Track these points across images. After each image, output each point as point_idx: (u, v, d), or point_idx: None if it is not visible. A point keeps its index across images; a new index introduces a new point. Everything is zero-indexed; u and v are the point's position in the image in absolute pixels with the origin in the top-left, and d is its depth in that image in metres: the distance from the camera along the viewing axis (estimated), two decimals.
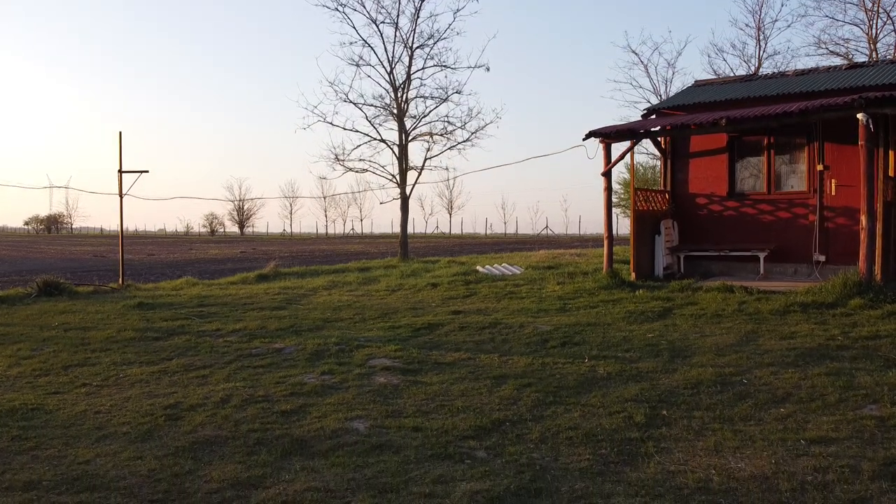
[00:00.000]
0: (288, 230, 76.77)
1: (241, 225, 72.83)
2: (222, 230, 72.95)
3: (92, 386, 7.26)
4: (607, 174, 13.36)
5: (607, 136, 13.17)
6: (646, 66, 34.21)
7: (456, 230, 68.70)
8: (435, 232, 68.60)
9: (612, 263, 13.72)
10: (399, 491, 4.32)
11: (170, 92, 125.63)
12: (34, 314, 12.17)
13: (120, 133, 15.80)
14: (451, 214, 70.64)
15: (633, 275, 13.63)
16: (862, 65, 14.76)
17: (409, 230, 24.26)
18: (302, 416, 5.94)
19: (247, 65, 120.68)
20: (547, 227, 60.16)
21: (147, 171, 15.82)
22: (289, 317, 11.14)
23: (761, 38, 26.89)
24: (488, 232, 65.24)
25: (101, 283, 16.71)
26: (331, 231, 76.96)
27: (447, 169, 22.33)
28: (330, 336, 9.30)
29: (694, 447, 5.04)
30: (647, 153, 27.34)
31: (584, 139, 13.21)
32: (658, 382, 6.71)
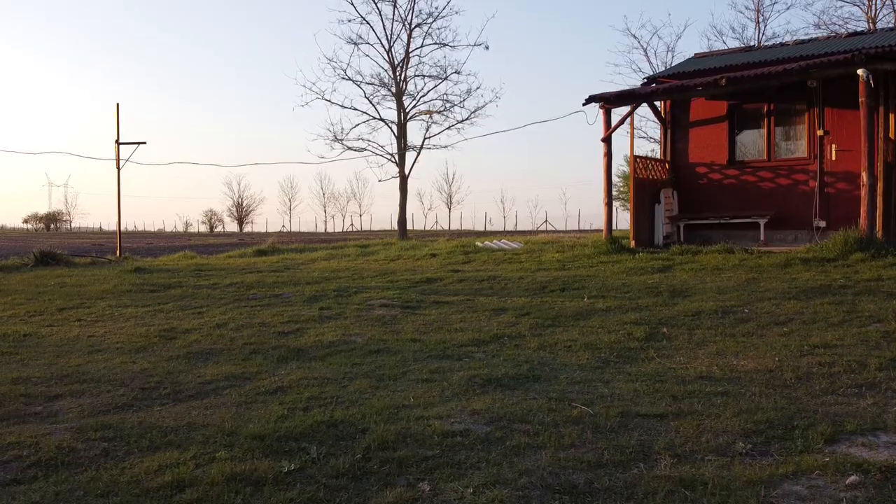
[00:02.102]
0: (287, 227, 76.74)
1: (241, 221, 72.75)
2: (221, 227, 72.92)
3: (86, 321, 7.17)
4: (607, 140, 13.28)
5: (607, 100, 13.10)
6: (645, 50, 34.10)
7: (455, 225, 68.67)
8: (434, 227, 68.55)
9: (612, 230, 13.64)
10: (397, 379, 4.24)
11: (170, 91, 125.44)
12: (30, 278, 12.08)
13: (117, 104, 15.76)
14: (450, 209, 70.53)
15: (633, 243, 13.55)
16: (861, 33, 14.74)
17: (409, 226, 24.17)
18: (299, 335, 5.86)
19: (247, 64, 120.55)
20: (546, 221, 60.09)
21: (144, 143, 15.79)
22: (287, 276, 11.06)
23: (761, 20, 26.88)
24: (488, 227, 65.18)
25: (99, 255, 16.62)
26: (330, 228, 76.95)
27: (446, 147, 22.20)
28: (328, 286, 9.23)
29: (695, 353, 4.97)
30: (646, 137, 27.26)
31: (584, 104, 13.15)
32: (658, 312, 6.64)
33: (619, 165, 42.82)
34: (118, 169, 15.80)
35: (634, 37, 44.31)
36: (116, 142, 15.70)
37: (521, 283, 9.09)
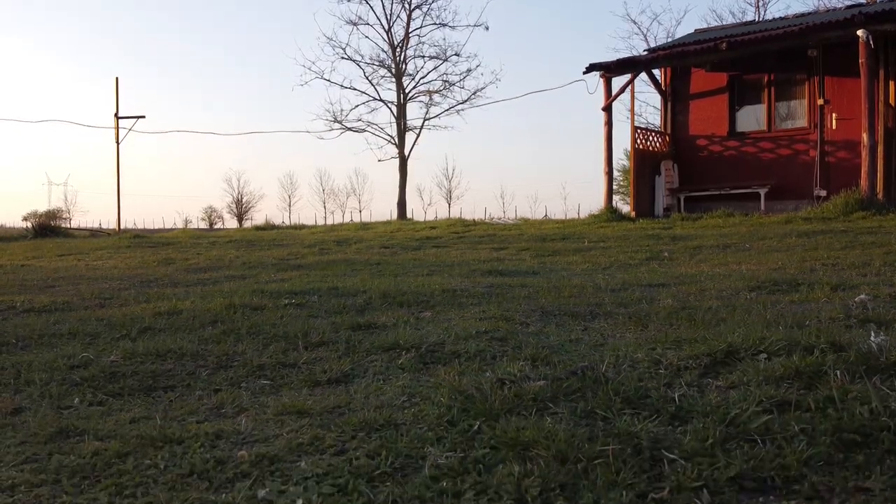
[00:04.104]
0: (287, 222, 76.62)
1: (240, 217, 72.48)
2: (221, 224, 72.83)
3: (85, 259, 7.14)
4: (607, 108, 13.23)
5: (608, 68, 13.06)
6: (645, 36, 33.66)
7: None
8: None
9: (612, 200, 13.59)
10: (398, 276, 4.20)
11: (169, 88, 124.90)
12: (29, 245, 12.05)
13: (117, 79, 15.74)
14: (449, 204, 70.23)
15: (633, 213, 13.51)
16: (861, 4, 14.70)
17: (408, 217, 24.10)
18: (297, 260, 5.83)
19: (245, 61, 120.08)
20: (546, 216, 60.09)
21: (144, 117, 15.75)
22: (287, 240, 11.04)
23: (760, 4, 26.84)
24: (487, 220, 64.96)
25: (97, 231, 16.58)
26: (329, 223, 76.89)
27: (446, 128, 22.17)
28: (326, 241, 9.21)
29: (697, 265, 4.92)
30: (644, 124, 27.18)
31: (584, 72, 13.10)
32: (659, 248, 6.60)
33: (619, 160, 42.65)
34: (117, 143, 15.77)
35: (634, 22, 44.10)
36: (116, 115, 15.67)
37: (521, 238, 9.07)
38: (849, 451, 0.91)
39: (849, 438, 0.93)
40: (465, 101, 20.89)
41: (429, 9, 21.13)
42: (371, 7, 21.06)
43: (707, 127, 14.60)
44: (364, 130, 20.68)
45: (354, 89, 20.68)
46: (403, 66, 20.39)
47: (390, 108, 21.02)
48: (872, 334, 1.41)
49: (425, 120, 20.76)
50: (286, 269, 4.96)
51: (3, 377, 1.65)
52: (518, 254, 6.22)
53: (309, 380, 1.52)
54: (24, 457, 1.08)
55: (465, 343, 1.79)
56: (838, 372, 1.17)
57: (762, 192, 13.37)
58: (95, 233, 15.47)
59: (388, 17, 20.81)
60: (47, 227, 14.62)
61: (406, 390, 1.36)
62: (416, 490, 0.85)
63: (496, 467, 0.91)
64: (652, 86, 15.36)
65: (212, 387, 1.52)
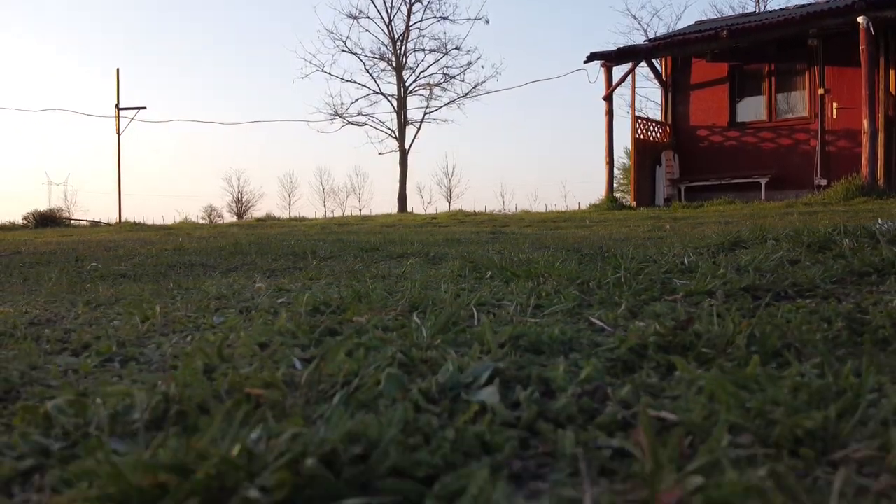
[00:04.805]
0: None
1: (240, 216, 72.62)
2: (221, 222, 72.87)
3: (87, 237, 7.16)
4: (608, 98, 13.27)
5: (608, 57, 13.09)
6: (645, 31, 33.65)
7: None
8: None
9: (613, 190, 13.61)
10: (404, 241, 4.22)
11: (169, 86, 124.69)
12: (31, 232, 12.08)
13: (118, 70, 15.77)
14: (449, 203, 70.17)
15: (634, 203, 13.53)
16: None
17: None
18: (301, 233, 5.85)
19: (246, 59, 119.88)
20: (546, 210, 60.14)
21: (144, 108, 15.77)
22: (286, 226, 11.07)
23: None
24: None
25: (99, 222, 16.60)
26: (330, 217, 76.81)
27: (447, 121, 22.18)
28: (328, 225, 9.23)
29: (699, 230, 4.95)
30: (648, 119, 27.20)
31: (585, 61, 13.14)
32: (661, 224, 6.62)
33: (619, 157, 42.67)
34: (118, 134, 15.80)
35: (634, 17, 43.99)
36: (117, 106, 15.70)
37: (523, 221, 9.09)
38: (861, 277, 0.92)
39: (861, 270, 0.94)
40: (466, 94, 20.91)
41: (429, 2, 21.20)
42: (372, 0, 21.11)
43: (708, 117, 14.61)
44: (364, 124, 20.71)
45: (355, 82, 20.75)
46: (404, 60, 20.42)
47: (390, 102, 21.06)
48: (879, 220, 1.43)
49: (426, 113, 20.79)
50: (290, 237, 4.98)
51: (13, 280, 1.67)
52: (521, 229, 6.24)
53: (319, 276, 1.53)
54: (37, 298, 1.09)
55: (473, 253, 1.80)
56: (847, 239, 1.19)
57: (763, 181, 13.39)
58: (96, 223, 15.49)
59: (389, 11, 20.87)
60: (48, 218, 14.65)
61: (416, 269, 1.37)
62: (433, 293, 0.86)
63: (509, 286, 0.92)
64: (653, 77, 15.41)
65: (223, 278, 1.53)
